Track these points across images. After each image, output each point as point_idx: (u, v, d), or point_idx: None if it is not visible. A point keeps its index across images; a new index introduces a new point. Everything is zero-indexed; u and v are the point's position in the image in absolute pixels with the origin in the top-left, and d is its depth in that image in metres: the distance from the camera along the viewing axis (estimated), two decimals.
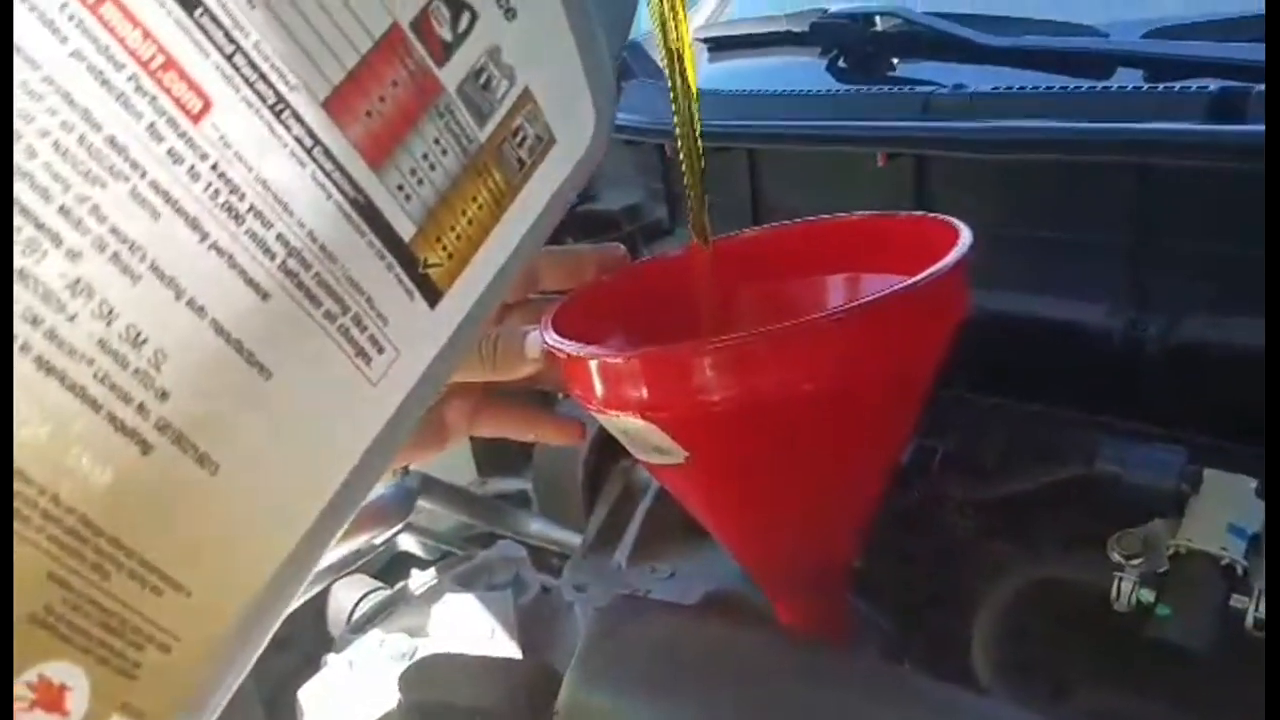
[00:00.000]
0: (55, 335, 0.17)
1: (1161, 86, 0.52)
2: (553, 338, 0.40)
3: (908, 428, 0.44)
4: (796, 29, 0.76)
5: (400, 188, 0.22)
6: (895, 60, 0.71)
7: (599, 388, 0.38)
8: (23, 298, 0.16)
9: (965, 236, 0.39)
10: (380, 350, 0.22)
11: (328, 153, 0.20)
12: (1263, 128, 0.46)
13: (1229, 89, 0.49)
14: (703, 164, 0.43)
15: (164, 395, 0.18)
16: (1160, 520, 0.43)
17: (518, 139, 0.24)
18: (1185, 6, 0.67)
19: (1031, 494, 0.49)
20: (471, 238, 0.24)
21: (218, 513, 0.19)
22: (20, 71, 0.16)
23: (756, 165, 0.73)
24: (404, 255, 0.22)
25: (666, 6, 0.37)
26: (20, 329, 0.16)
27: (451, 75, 0.22)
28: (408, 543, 0.90)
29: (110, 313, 0.17)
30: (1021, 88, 0.57)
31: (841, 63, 0.74)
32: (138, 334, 0.18)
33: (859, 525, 0.45)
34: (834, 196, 0.65)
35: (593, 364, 0.38)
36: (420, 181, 0.22)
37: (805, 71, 0.75)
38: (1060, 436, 0.50)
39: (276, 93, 0.19)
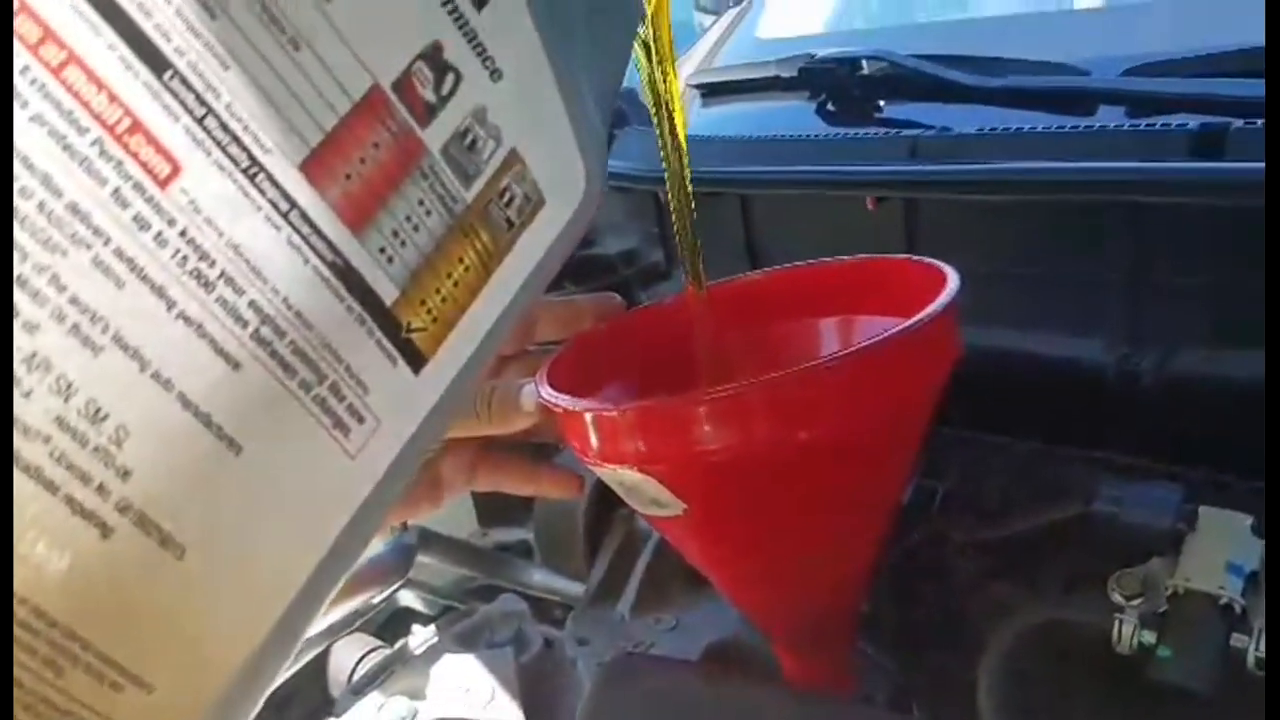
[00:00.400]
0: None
1: (1144, 124, 0.53)
2: (547, 391, 0.40)
3: (905, 471, 0.44)
4: (785, 74, 0.77)
5: (382, 250, 0.21)
6: (882, 103, 0.72)
7: (594, 441, 0.38)
8: None
9: (952, 280, 0.39)
10: (360, 420, 0.21)
11: (304, 216, 0.19)
12: (1243, 164, 0.46)
13: (1209, 125, 0.50)
14: (694, 215, 0.43)
15: (126, 474, 0.17)
16: (1158, 559, 0.43)
17: (505, 199, 0.24)
18: (1164, 43, 0.68)
19: (1031, 534, 0.49)
20: (457, 300, 0.23)
21: (183, 599, 0.18)
22: None
23: (749, 209, 0.74)
24: (385, 320, 0.21)
25: (655, 65, 0.38)
26: None
27: (435, 136, 0.22)
28: (408, 598, 0.89)
29: (69, 387, 0.16)
30: (1006, 128, 0.57)
31: (830, 106, 0.75)
32: (98, 409, 0.17)
33: (862, 572, 0.45)
34: (827, 239, 0.65)
35: (587, 418, 0.38)
36: (403, 244, 0.21)
37: (795, 115, 0.76)
38: (1057, 475, 0.50)
39: (250, 156, 0.19)
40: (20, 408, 0.16)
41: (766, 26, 0.98)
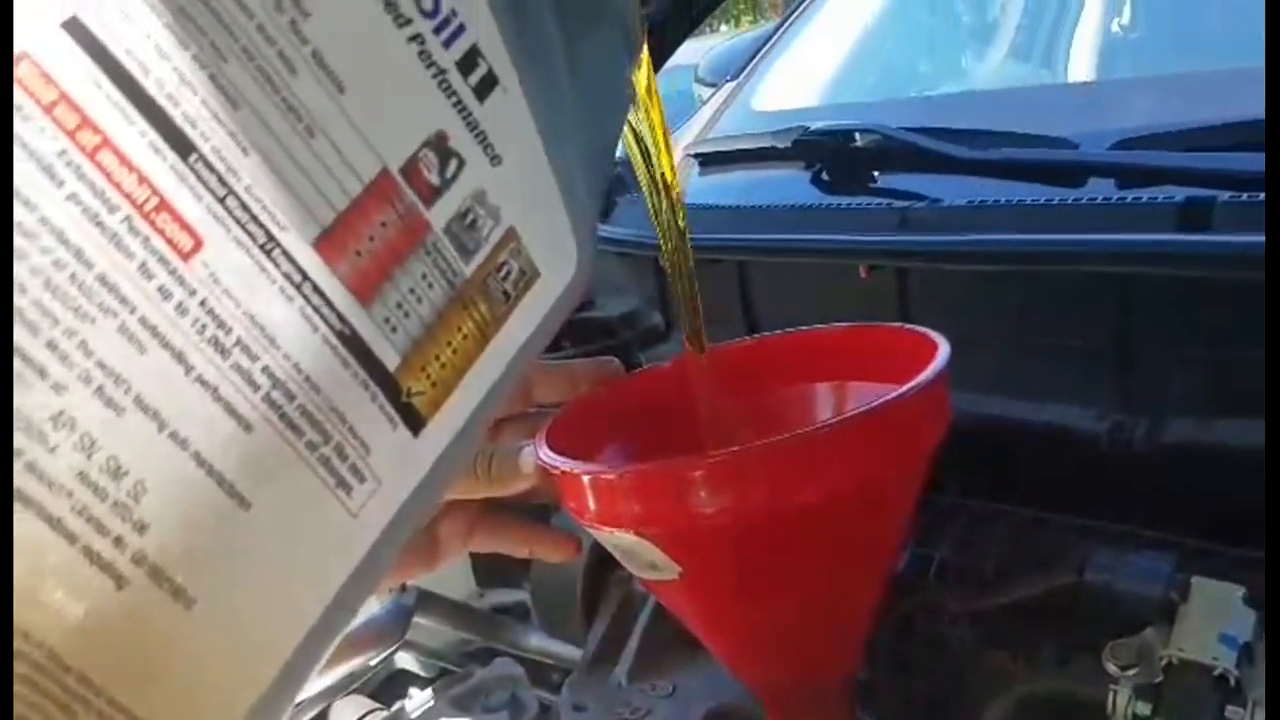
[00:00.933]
0: (35, 467, 0.17)
1: (1130, 197, 0.54)
2: (546, 454, 0.40)
3: (899, 536, 0.44)
4: (780, 145, 0.79)
5: (387, 320, 0.22)
6: (875, 173, 0.73)
7: (592, 504, 0.39)
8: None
9: (943, 348, 0.40)
10: (361, 480, 0.22)
11: (316, 288, 0.21)
12: (1228, 238, 0.48)
13: (1195, 198, 0.51)
14: (695, 281, 0.45)
15: (142, 528, 0.18)
16: (1152, 629, 0.43)
17: (502, 273, 0.25)
18: (1154, 117, 0.70)
19: (1026, 603, 0.49)
20: (456, 366, 0.24)
21: (191, 648, 0.19)
22: (16, 213, 0.17)
23: (747, 276, 0.75)
24: (388, 385, 0.22)
25: (650, 142, 0.39)
26: None
27: (439, 216, 0.23)
28: (405, 660, 0.88)
29: (92, 445, 0.18)
30: (995, 201, 0.59)
31: (824, 176, 0.76)
32: (118, 466, 0.18)
33: (857, 638, 0.45)
34: (822, 306, 0.66)
35: (585, 480, 0.39)
36: (406, 314, 0.23)
37: (790, 185, 0.78)
38: (1051, 544, 0.50)
39: (267, 232, 0.20)
40: (46, 462, 0.17)
41: (762, 99, 1.00)
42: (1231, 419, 0.51)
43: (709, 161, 0.88)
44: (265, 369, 0.20)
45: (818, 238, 0.65)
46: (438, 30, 0.23)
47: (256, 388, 0.20)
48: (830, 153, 0.74)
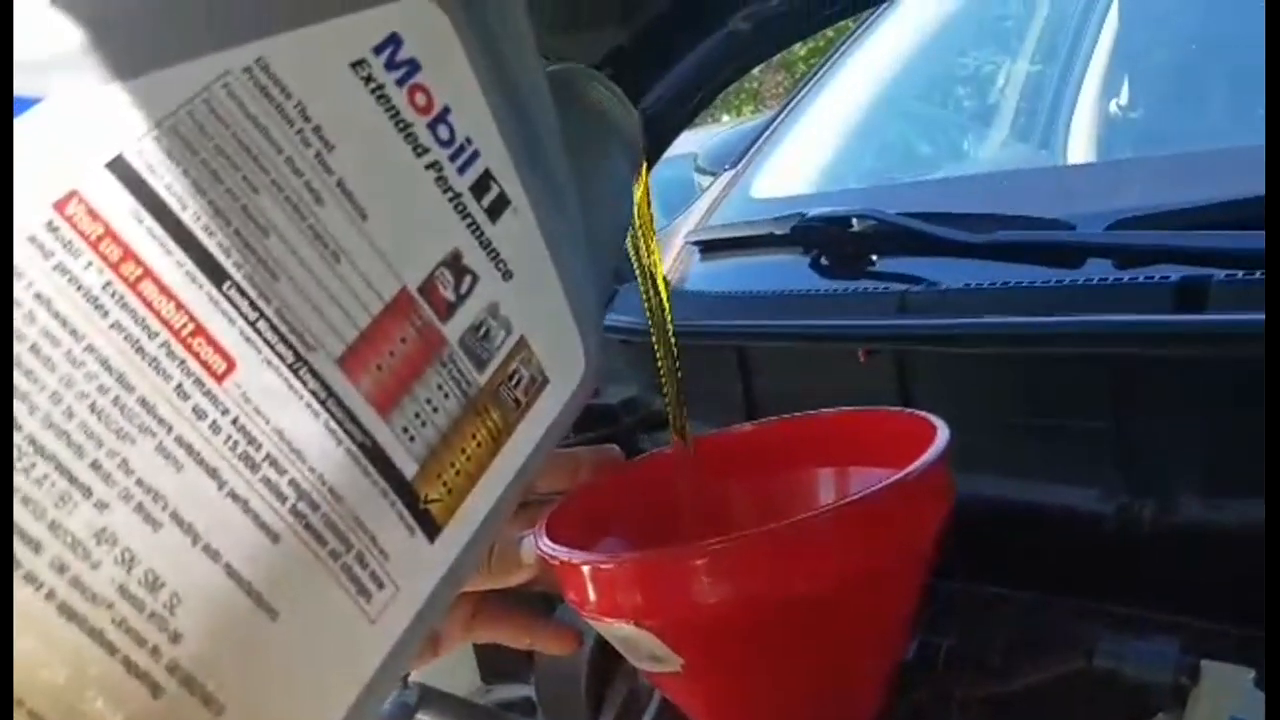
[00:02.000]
0: (79, 582, 0.18)
1: (1127, 277, 0.55)
2: (545, 544, 0.40)
3: (905, 622, 0.43)
4: (779, 231, 0.80)
5: (405, 430, 0.23)
6: (873, 257, 0.74)
7: (591, 594, 0.38)
8: (52, 547, 0.17)
9: (942, 432, 0.40)
10: (380, 586, 0.23)
11: (340, 403, 0.22)
12: (1223, 317, 0.48)
13: (1190, 278, 0.52)
14: (680, 374, 0.45)
15: (177, 638, 0.19)
16: (1163, 714, 0.42)
17: (514, 381, 0.27)
18: (1151, 198, 0.71)
19: (1036, 689, 0.48)
20: (470, 473, 0.25)
21: None
22: (64, 342, 0.18)
23: (747, 361, 0.75)
24: (406, 493, 0.23)
25: (644, 246, 0.40)
26: (47, 577, 0.17)
27: (454, 329, 0.25)
28: None
29: (131, 559, 0.18)
30: (992, 284, 0.59)
31: (823, 261, 0.77)
32: (155, 579, 0.19)
33: None
34: (823, 390, 0.67)
35: (584, 570, 0.38)
36: (424, 424, 0.24)
37: (789, 270, 0.79)
38: (1058, 629, 0.49)
39: (295, 352, 0.21)
40: (89, 577, 0.18)
41: (761, 186, 1.02)
42: (1236, 498, 0.51)
43: (709, 248, 0.89)
44: (292, 481, 0.21)
45: (816, 323, 0.66)
46: (453, 158, 0.25)
47: (284, 499, 0.21)
48: (828, 239, 0.76)
